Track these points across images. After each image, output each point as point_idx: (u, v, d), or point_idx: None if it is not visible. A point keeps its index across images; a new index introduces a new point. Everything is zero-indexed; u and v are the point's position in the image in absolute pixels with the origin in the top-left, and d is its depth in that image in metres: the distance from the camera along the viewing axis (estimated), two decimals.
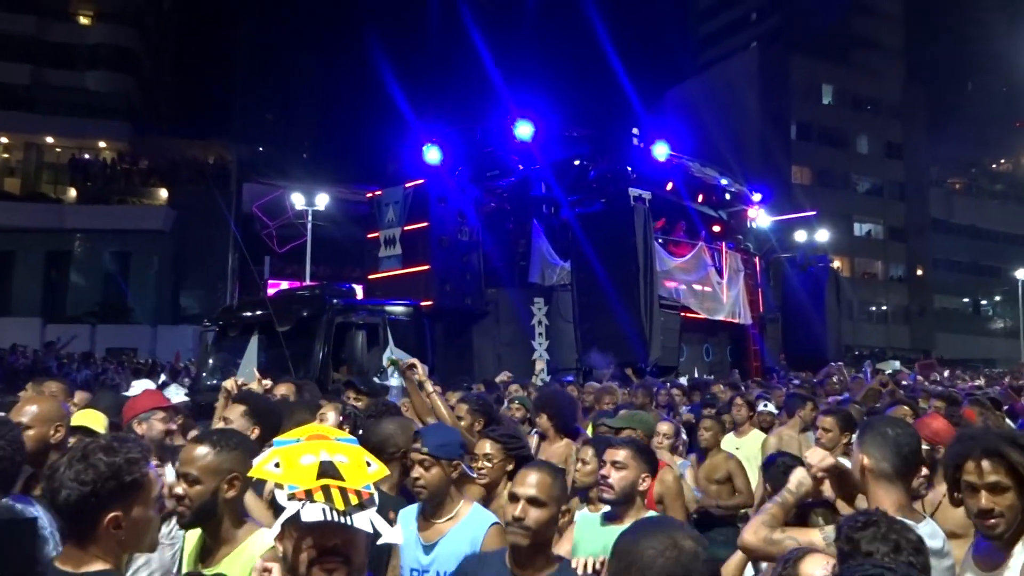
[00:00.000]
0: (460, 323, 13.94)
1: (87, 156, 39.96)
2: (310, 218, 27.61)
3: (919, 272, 52.58)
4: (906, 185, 52.34)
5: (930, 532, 2.57)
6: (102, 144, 41.15)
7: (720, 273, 17.19)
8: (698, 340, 17.02)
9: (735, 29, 58.60)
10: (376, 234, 14.11)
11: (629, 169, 15.80)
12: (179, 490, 2.59)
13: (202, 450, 2.63)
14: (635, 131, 16.29)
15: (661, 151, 15.54)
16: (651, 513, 3.35)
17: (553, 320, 14.67)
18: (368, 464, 1.77)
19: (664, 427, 5.74)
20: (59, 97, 40.76)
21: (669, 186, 16.51)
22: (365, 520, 1.66)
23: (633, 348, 13.87)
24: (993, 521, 2.48)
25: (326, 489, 1.66)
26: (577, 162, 15.95)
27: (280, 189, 32.49)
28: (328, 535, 1.65)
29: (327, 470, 1.69)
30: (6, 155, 41.49)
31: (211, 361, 11.29)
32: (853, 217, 50.57)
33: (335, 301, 11.21)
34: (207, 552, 2.66)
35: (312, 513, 1.63)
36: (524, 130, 14.29)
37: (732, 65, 50.29)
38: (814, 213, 22.12)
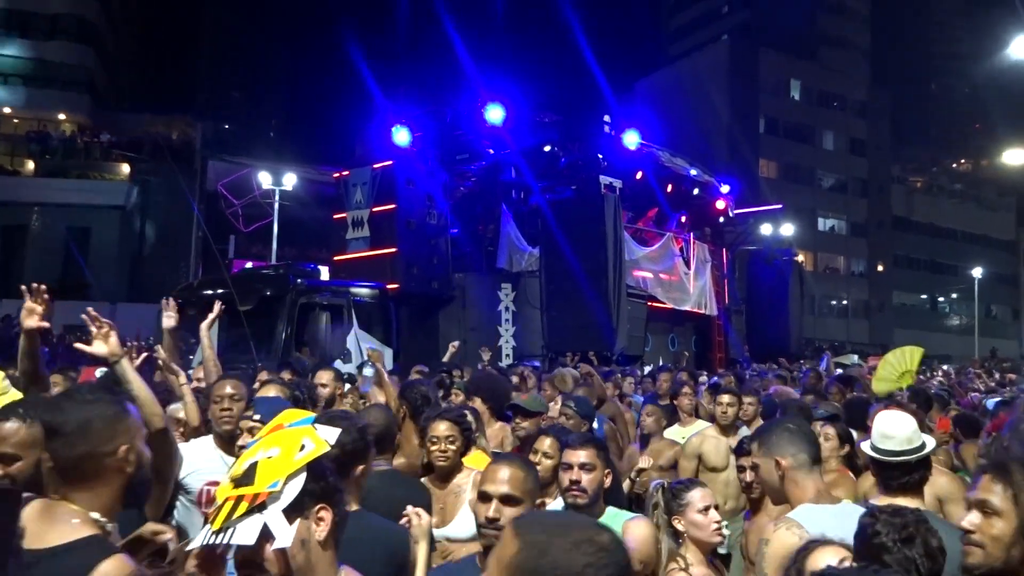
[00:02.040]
0: (427, 307, 13.84)
1: (47, 128, 38.96)
2: (277, 198, 27.17)
3: (879, 268, 53.35)
4: (869, 182, 52.97)
5: (839, 512, 2.66)
6: (62, 117, 40.17)
7: (687, 263, 17.26)
8: (664, 330, 17.10)
9: (706, 22, 58.72)
10: (343, 215, 13.91)
11: (600, 157, 15.76)
12: None
13: (12, 425, 2.45)
14: (606, 119, 16.23)
15: (631, 140, 15.52)
16: (612, 510, 3.24)
17: (520, 306, 14.62)
18: (303, 447, 1.64)
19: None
20: (15, 66, 39.65)
21: (639, 175, 16.49)
22: (249, 529, 1.52)
23: (600, 336, 13.88)
24: (967, 547, 2.15)
25: (223, 504, 1.57)
26: (548, 148, 15.85)
27: (246, 168, 31.98)
28: (235, 551, 1.56)
29: (243, 476, 1.60)
30: None
31: (193, 357, 11.06)
32: (817, 212, 51.03)
33: (299, 281, 11.06)
34: None
35: (196, 541, 1.55)
36: (495, 114, 14.15)
37: (702, 58, 50.45)
38: (780, 207, 22.29)
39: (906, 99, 56.52)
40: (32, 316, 3.19)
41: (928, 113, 64.86)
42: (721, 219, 19.38)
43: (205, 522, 1.59)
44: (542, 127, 15.87)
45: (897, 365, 10.71)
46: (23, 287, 3.25)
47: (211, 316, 5.87)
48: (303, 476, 1.60)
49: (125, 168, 37.57)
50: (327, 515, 1.62)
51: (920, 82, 63.66)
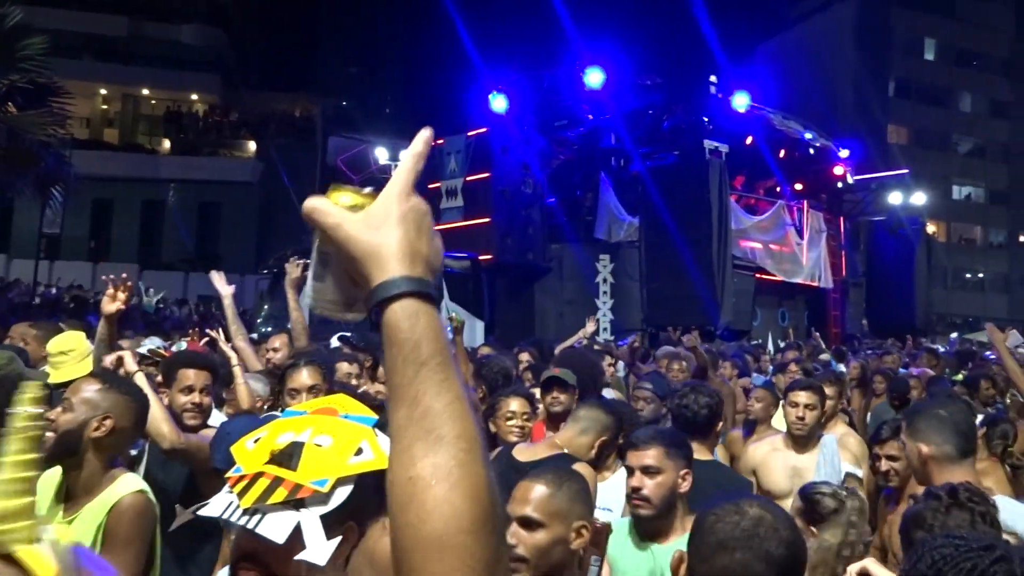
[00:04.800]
0: (522, 279, 13.57)
1: (181, 108, 40.97)
2: (393, 173, 27.59)
3: (1021, 238, 49.63)
4: (1010, 146, 49.11)
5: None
6: (194, 97, 42.03)
7: (800, 233, 16.28)
8: (773, 303, 16.23)
9: None
10: (437, 184, 13.79)
11: (705, 120, 14.96)
12: (52, 414, 2.44)
13: (92, 386, 2.54)
14: (713, 79, 15.36)
15: (741, 101, 14.63)
16: None
17: (619, 278, 14.15)
18: (360, 451, 1.41)
19: None
20: (155, 50, 41.65)
21: (749, 140, 15.59)
22: (281, 524, 1.30)
23: (703, 310, 13.27)
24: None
25: (256, 478, 1.36)
26: (650, 112, 15.16)
27: (364, 143, 32.78)
28: (244, 537, 1.35)
29: (283, 454, 1.38)
30: (105, 106, 42.77)
31: (266, 308, 11.29)
32: (952, 179, 47.79)
33: None
34: (69, 497, 2.51)
35: (212, 507, 1.35)
36: (594, 78, 13.63)
37: (829, 17, 47.60)
38: (906, 171, 20.67)
39: None
40: (113, 302, 3.37)
41: None
42: (840, 185, 18.17)
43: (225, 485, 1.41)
44: (644, 90, 15.16)
45: None
46: (104, 277, 3.48)
47: (294, 275, 5.48)
48: (351, 487, 1.37)
49: (252, 145, 39.16)
50: (352, 536, 1.40)
51: None
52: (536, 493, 2.10)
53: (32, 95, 13.82)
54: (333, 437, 1.42)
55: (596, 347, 8.41)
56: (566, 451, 3.25)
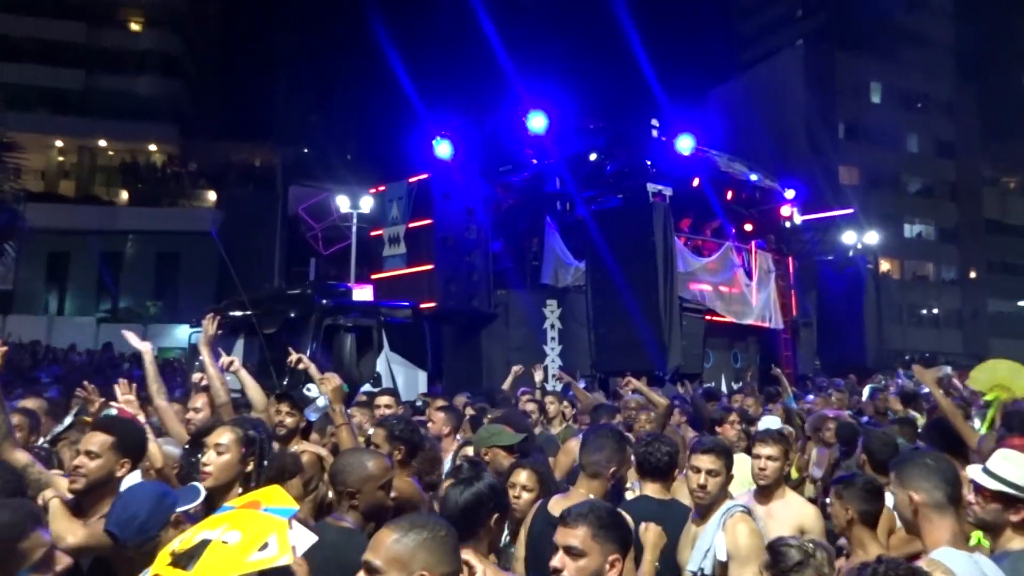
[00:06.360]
0: (467, 326, 13.28)
1: (138, 159, 40.63)
2: (355, 221, 27.28)
3: (972, 275, 50.82)
4: (958, 185, 50.72)
5: (978, 563, 2.56)
6: (152, 147, 41.85)
7: (749, 274, 16.28)
8: (725, 346, 16.15)
9: (779, 26, 56.75)
10: (380, 232, 13.62)
11: (648, 163, 14.98)
12: None
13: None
14: (654, 123, 15.41)
15: (685, 144, 14.65)
16: None
17: (567, 324, 13.92)
18: (265, 547, 1.41)
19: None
20: (110, 102, 41.51)
21: (695, 182, 15.66)
22: None
23: (651, 354, 13.12)
24: None
25: None
26: (593, 156, 15.14)
27: (325, 192, 32.59)
28: None
29: (184, 555, 1.37)
30: (61, 158, 42.44)
31: (197, 362, 10.91)
32: (903, 218, 49.14)
33: (324, 302, 10.72)
34: None
35: None
36: (537, 122, 13.58)
37: (777, 63, 48.99)
38: (851, 211, 20.96)
39: (996, 95, 53.19)
40: None
41: (1019, 108, 60.95)
42: (788, 226, 18.33)
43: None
44: (587, 134, 15.18)
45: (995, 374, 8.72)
46: None
47: (209, 331, 5.40)
48: None
49: (212, 195, 38.84)
50: None
51: (1009, 76, 59.57)
52: (381, 537, 1.86)
53: None
54: (242, 532, 1.44)
55: (549, 397, 8.19)
56: (592, 497, 3.40)
